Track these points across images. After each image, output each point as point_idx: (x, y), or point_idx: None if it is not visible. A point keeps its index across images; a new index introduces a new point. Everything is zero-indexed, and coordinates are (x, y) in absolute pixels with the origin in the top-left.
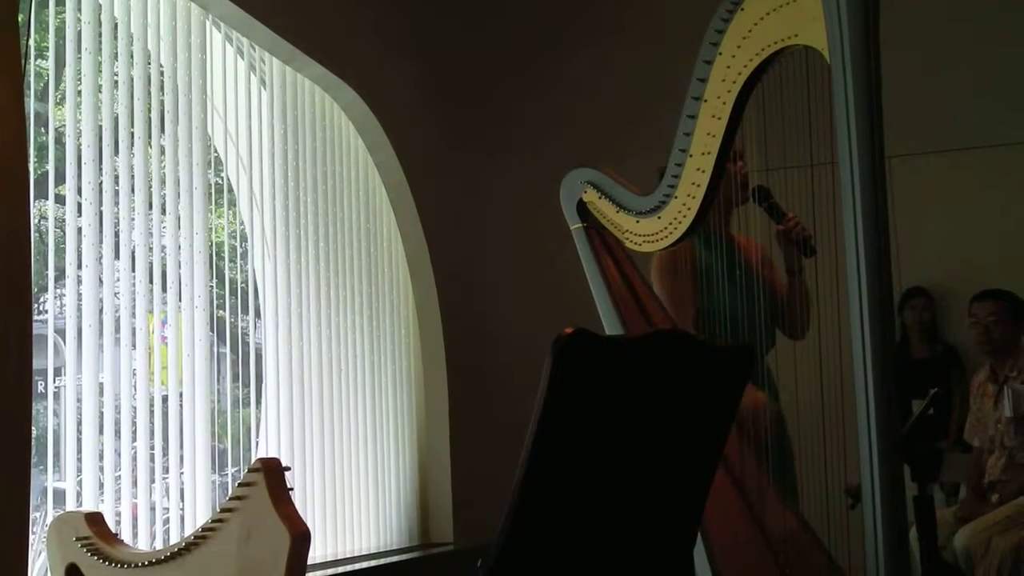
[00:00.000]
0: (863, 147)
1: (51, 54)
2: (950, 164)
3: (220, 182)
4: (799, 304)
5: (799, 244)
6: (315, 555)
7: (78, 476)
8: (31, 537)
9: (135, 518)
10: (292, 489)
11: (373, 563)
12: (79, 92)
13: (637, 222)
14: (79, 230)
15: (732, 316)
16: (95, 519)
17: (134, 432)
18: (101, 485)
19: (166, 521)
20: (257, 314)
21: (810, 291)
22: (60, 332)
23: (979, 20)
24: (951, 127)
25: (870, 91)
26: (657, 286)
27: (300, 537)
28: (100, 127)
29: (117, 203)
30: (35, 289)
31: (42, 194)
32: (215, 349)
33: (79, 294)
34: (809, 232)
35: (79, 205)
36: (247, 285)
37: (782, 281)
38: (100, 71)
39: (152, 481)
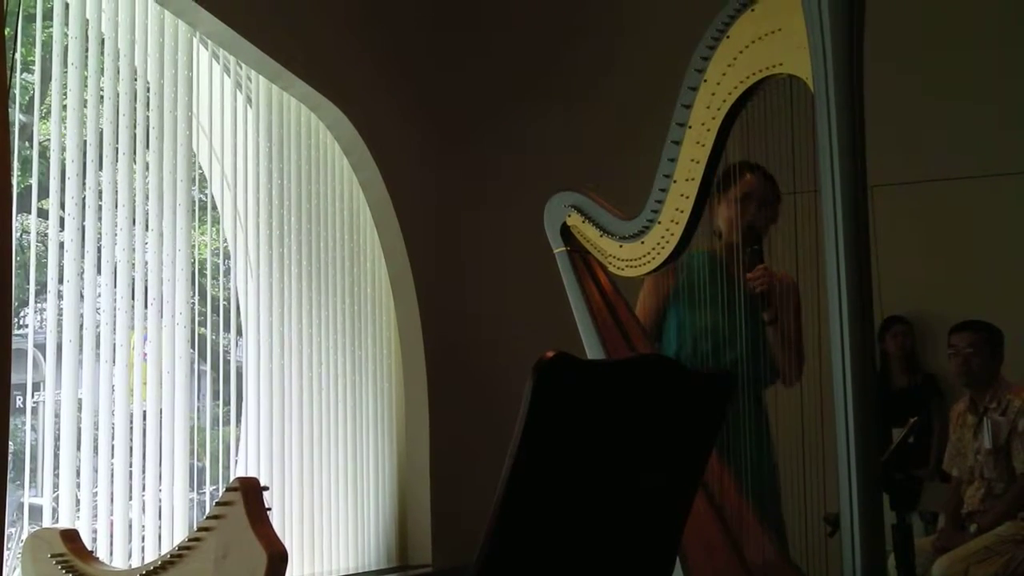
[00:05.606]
0: (846, 176)
1: (37, 68)
2: (931, 194)
3: (204, 199)
4: (784, 350)
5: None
6: (292, 575)
7: (55, 492)
8: (6, 553)
9: (111, 535)
10: (270, 509)
11: None
12: (64, 106)
13: (620, 247)
14: (61, 245)
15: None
16: (71, 536)
17: (112, 449)
18: (78, 501)
19: (143, 539)
20: (239, 332)
21: (791, 338)
22: (40, 347)
23: (966, 52)
24: (933, 158)
25: (853, 120)
26: (640, 307)
27: (277, 557)
28: (85, 142)
29: (100, 218)
30: (16, 303)
31: (25, 208)
32: (196, 366)
33: (60, 309)
34: (765, 289)
35: (62, 220)
36: (229, 303)
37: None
38: (86, 86)
39: (129, 498)
